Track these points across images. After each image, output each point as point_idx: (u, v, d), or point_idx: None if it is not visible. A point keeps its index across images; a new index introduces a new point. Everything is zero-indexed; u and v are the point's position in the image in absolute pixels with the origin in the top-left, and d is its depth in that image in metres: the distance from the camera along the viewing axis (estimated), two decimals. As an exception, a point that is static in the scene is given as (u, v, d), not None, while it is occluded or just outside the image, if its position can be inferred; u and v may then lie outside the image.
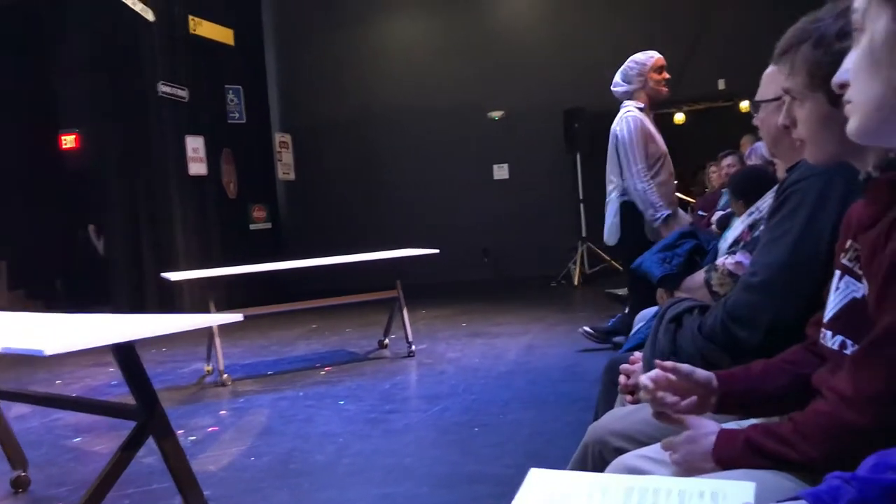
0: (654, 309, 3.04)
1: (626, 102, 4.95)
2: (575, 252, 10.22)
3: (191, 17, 9.30)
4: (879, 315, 1.34)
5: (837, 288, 1.52)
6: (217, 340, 5.54)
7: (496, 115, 11.09)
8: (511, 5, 11.22)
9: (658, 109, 11.49)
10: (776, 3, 9.67)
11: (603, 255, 10.14)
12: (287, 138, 11.55)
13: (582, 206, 10.46)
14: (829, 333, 1.51)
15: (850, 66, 1.02)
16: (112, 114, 8.87)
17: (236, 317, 2.74)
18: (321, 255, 6.86)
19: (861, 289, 1.47)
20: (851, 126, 1.01)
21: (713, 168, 7.59)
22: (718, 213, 5.64)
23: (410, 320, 6.23)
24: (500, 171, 11.19)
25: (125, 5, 8.35)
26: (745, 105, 11.77)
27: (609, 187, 5.09)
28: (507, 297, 9.21)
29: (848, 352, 1.45)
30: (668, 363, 1.63)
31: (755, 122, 2.19)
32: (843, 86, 1.05)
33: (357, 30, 11.35)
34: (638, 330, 2.81)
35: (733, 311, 1.80)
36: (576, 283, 9.96)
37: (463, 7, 11.12)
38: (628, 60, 4.98)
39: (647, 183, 4.83)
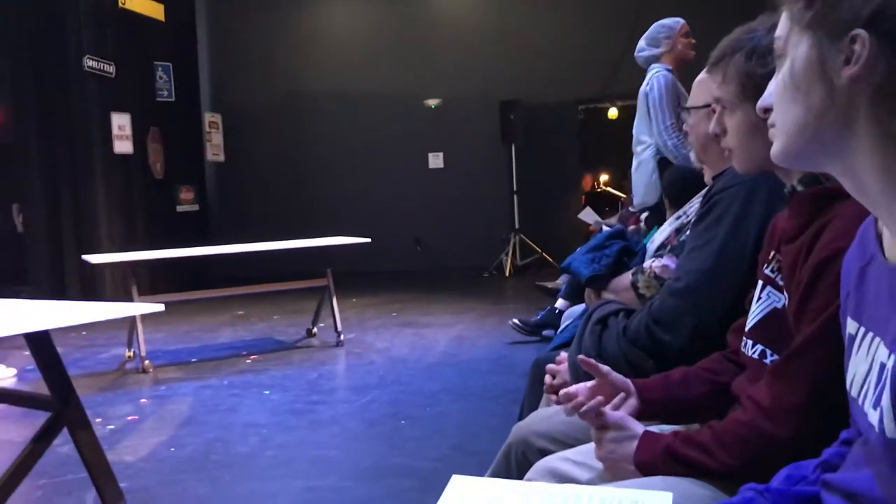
0: (581, 307, 3.07)
1: (654, 65, 4.92)
2: (507, 243, 10.28)
3: (120, -10, 9.00)
4: (798, 327, 1.36)
5: (759, 298, 1.55)
6: (139, 326, 5.40)
7: (433, 102, 11.05)
8: (450, -7, 11.18)
9: (603, 101, 11.70)
10: (710, 4, 9.92)
11: (535, 246, 10.23)
12: (217, 118, 11.29)
13: (515, 197, 10.53)
14: (750, 342, 1.53)
15: (773, 91, 1.03)
16: (34, 88, 8.52)
17: (157, 307, 2.66)
18: (250, 239, 6.75)
19: (782, 300, 1.50)
20: (775, 150, 1.03)
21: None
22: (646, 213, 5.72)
23: (340, 309, 6.17)
24: (436, 160, 11.16)
25: (51, -25, 8.04)
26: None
27: (638, 148, 5.03)
28: (438, 287, 9.22)
29: (767, 361, 1.48)
30: (590, 360, 1.65)
31: (685, 127, 2.21)
32: (767, 110, 1.06)
33: (293, 11, 11.15)
34: (565, 328, 2.84)
35: (657, 315, 1.83)
36: (507, 274, 10.02)
37: (401, -7, 11.04)
38: (655, 25, 4.95)
39: (678, 138, 4.78)
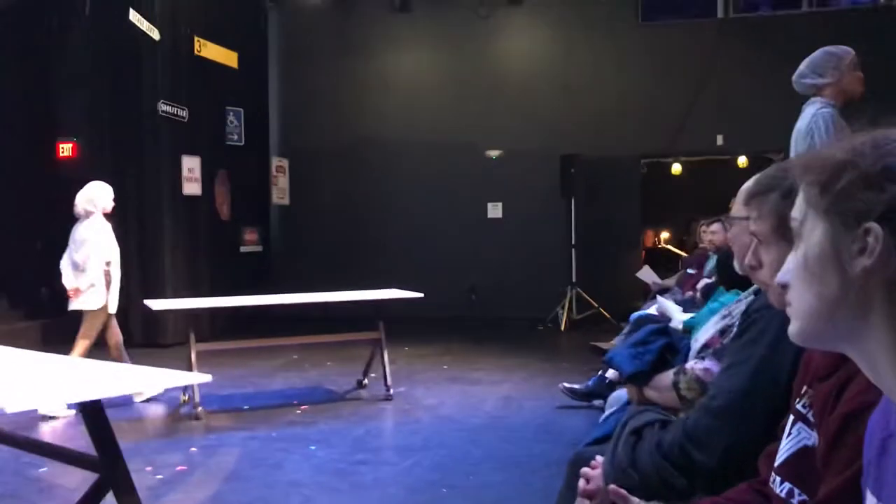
0: (625, 393, 3.05)
1: (815, 99, 4.53)
2: (564, 296, 10.23)
3: (196, 39, 9.35)
4: (825, 475, 1.34)
5: (790, 434, 1.53)
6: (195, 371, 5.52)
7: (494, 153, 11.14)
8: (517, 45, 11.30)
9: (667, 157, 11.62)
10: (772, 67, 9.83)
11: (592, 301, 10.16)
12: (284, 163, 11.58)
13: (574, 251, 10.50)
14: (779, 479, 1.51)
15: (791, 270, 1.03)
16: (109, 126, 8.89)
17: (205, 377, 2.73)
18: (309, 281, 6.90)
19: (812, 437, 1.48)
20: (792, 330, 1.03)
21: (703, 228, 7.60)
22: (705, 281, 5.67)
23: (392, 357, 6.23)
24: (495, 210, 11.22)
25: (132, 23, 8.40)
26: (742, 161, 11.87)
27: None
28: (491, 338, 9.21)
29: (795, 501, 1.46)
30: (621, 491, 1.64)
31: (728, 236, 2.20)
32: (785, 286, 1.06)
33: (360, 60, 11.41)
34: (607, 417, 2.82)
35: (692, 433, 1.81)
36: (563, 327, 9.96)
37: (467, 44, 11.20)
38: (821, 51, 4.52)
39: None
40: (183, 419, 5.51)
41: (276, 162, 11.42)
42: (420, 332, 9.07)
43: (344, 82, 11.43)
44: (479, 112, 11.03)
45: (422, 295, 6.30)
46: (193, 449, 4.77)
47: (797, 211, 1.02)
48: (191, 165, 9.28)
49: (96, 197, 5.96)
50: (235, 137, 10.19)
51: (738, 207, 2.09)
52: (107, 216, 6.04)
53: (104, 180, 6.18)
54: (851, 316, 0.95)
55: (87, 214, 5.93)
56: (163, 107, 8.86)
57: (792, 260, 1.02)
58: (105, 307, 5.88)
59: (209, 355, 6.24)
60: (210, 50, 9.57)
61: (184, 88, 9.20)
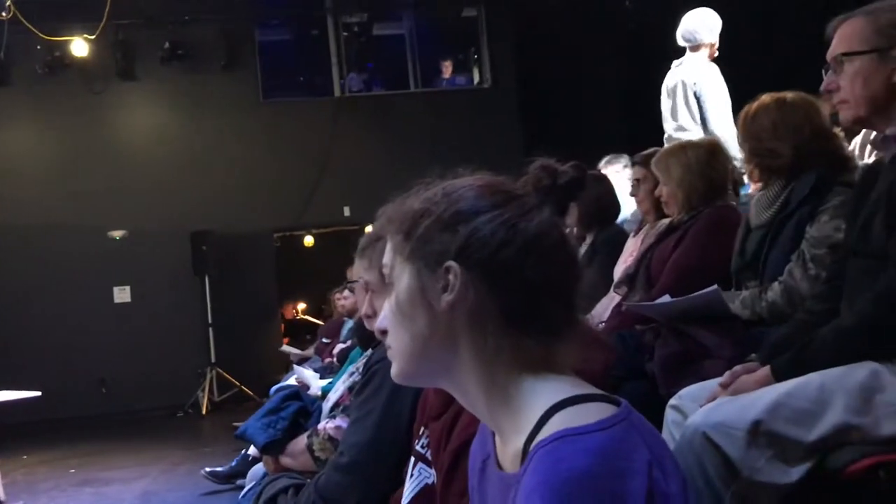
0: (262, 468, 2.98)
1: (694, 55, 4.75)
2: (203, 378, 9.84)
3: None
4: (443, 508, 1.42)
5: (412, 475, 1.59)
6: None
7: (118, 234, 10.49)
8: (137, 121, 10.82)
9: (299, 230, 11.82)
10: (387, 140, 10.62)
11: (233, 380, 9.90)
12: None
13: (211, 330, 10.18)
14: (405, 521, 1.57)
15: (386, 314, 1.09)
16: None
17: None
18: None
19: (432, 475, 1.56)
20: (393, 371, 1.08)
21: (336, 295, 7.84)
22: (340, 346, 5.81)
23: (7, 470, 5.48)
24: (122, 294, 10.51)
25: None
26: (369, 229, 12.50)
27: (683, 136, 4.63)
28: (126, 433, 8.53)
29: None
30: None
31: (356, 296, 2.28)
32: (384, 332, 1.12)
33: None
34: (245, 494, 2.72)
35: (323, 493, 1.82)
36: (204, 411, 9.55)
37: (81, 120, 10.47)
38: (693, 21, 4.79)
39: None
40: None
41: None
42: (43, 436, 8.12)
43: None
44: (100, 191, 10.33)
45: (38, 393, 5.64)
46: None
47: (387, 258, 1.09)
48: None
49: None
50: None
51: (356, 265, 2.18)
52: None
53: None
54: (443, 349, 1.02)
55: None
56: None
57: (387, 306, 1.08)
58: None
59: None
60: None
61: None
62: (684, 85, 4.83)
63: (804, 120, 2.43)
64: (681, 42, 4.94)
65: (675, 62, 5.02)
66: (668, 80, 5.01)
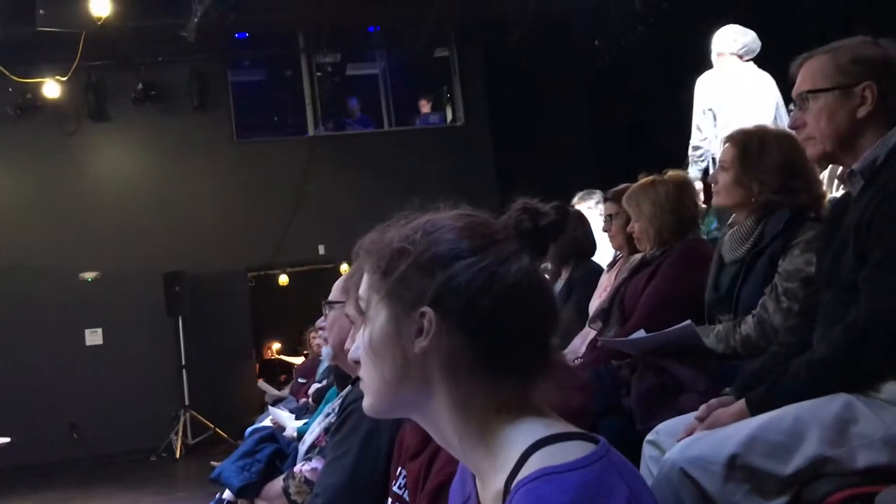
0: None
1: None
2: (177, 421, 9.70)
3: None
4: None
5: (390, 516, 1.58)
6: None
7: (90, 276, 10.36)
8: (109, 162, 10.76)
9: (273, 269, 11.77)
10: (362, 178, 10.64)
11: (207, 422, 9.76)
12: None
13: (185, 371, 10.05)
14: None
15: (359, 346, 1.08)
16: None
17: None
18: None
19: (410, 517, 1.54)
20: (365, 404, 1.07)
21: (312, 334, 7.79)
22: (315, 386, 5.75)
23: (-27, 523, 5.33)
24: (94, 336, 10.37)
25: None
26: (344, 268, 12.47)
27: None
28: (98, 478, 8.36)
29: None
30: None
31: (327, 322, 2.27)
32: (357, 362, 1.11)
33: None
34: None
35: (299, 537, 1.80)
36: (178, 455, 9.39)
37: (52, 161, 10.39)
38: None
39: None
40: None
41: None
42: (11, 486, 7.95)
43: None
44: (71, 233, 10.23)
45: (8, 440, 5.53)
46: None
47: (363, 291, 1.08)
48: None
49: None
50: None
51: (334, 293, 2.18)
52: None
53: None
54: (415, 390, 1.02)
55: None
56: None
57: (360, 338, 1.07)
58: None
59: None
60: None
61: None
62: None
63: (788, 155, 2.45)
64: (747, 56, 4.92)
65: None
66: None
